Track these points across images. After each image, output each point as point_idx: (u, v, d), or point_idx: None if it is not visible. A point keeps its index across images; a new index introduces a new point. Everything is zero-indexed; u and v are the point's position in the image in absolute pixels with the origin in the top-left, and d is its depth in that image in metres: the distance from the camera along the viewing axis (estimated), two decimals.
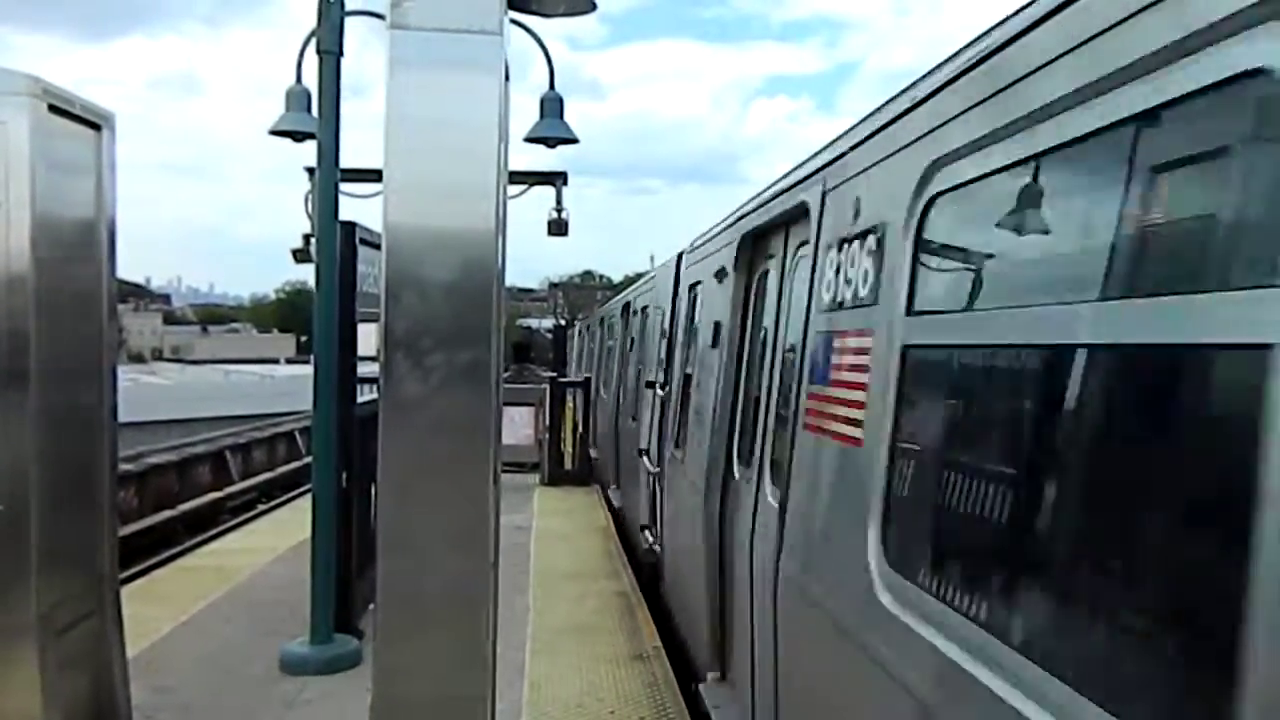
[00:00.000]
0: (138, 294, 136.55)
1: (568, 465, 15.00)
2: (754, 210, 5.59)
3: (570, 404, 15.06)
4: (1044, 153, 2.35)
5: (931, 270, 3.09)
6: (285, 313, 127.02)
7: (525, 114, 9.21)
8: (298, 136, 8.43)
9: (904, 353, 3.08)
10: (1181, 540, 1.84)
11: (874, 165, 3.56)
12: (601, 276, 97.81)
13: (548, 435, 15.05)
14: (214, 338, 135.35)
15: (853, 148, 3.86)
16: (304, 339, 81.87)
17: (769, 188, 5.35)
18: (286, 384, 42.79)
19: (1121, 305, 2.01)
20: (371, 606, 3.24)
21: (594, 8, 7.27)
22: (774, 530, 4.17)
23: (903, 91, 3.38)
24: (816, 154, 4.44)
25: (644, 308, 11.08)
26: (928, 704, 2.56)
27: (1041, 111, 2.30)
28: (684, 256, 8.49)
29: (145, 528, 15.63)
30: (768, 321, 5.12)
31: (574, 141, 9.46)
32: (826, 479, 3.74)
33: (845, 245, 3.74)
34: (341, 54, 6.48)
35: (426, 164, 2.71)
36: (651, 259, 10.30)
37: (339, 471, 6.63)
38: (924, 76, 3.19)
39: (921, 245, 3.05)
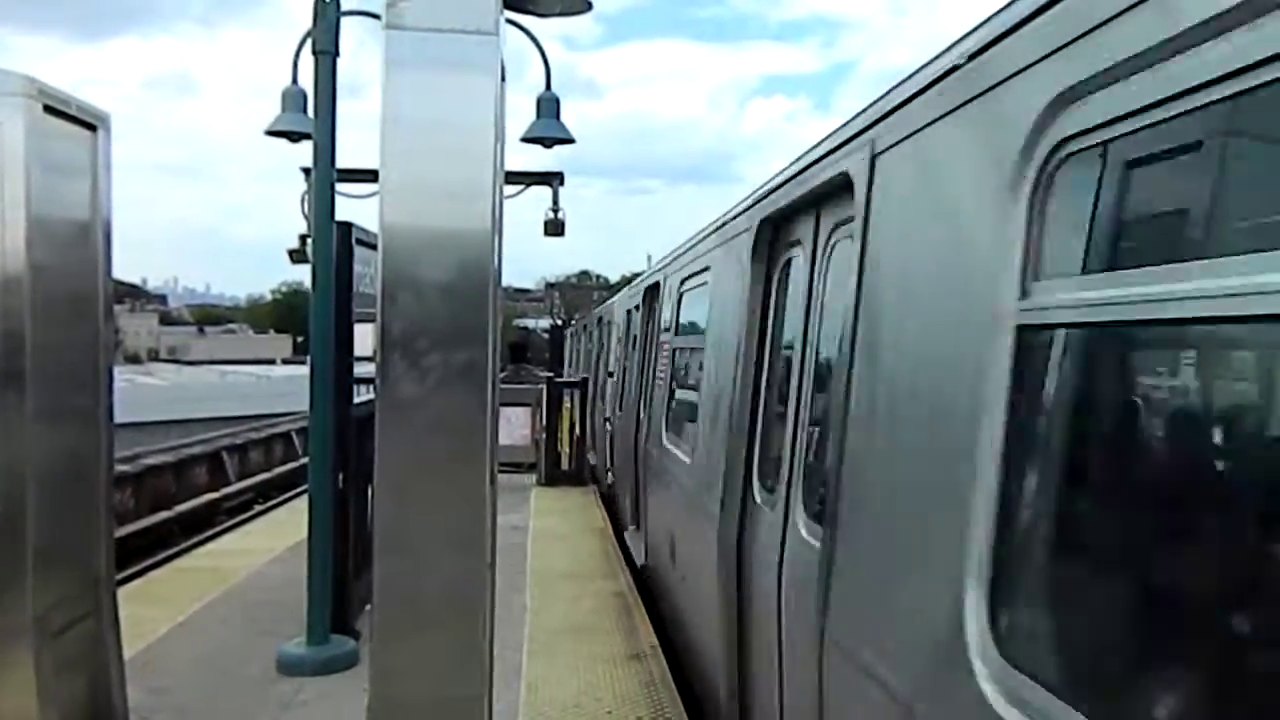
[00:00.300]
0: (134, 294, 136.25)
1: (564, 465, 15.00)
2: (651, 275, 10.54)
3: (567, 404, 15.07)
4: (692, 288, 7.33)
5: (678, 318, 7.98)
6: (282, 313, 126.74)
7: (521, 114, 9.24)
8: (294, 137, 8.44)
9: (673, 351, 7.98)
10: (719, 401, 5.38)
11: (674, 274, 8.32)
12: (598, 277, 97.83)
13: (544, 435, 15.05)
14: (210, 338, 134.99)
15: (668, 264, 8.95)
16: (300, 339, 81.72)
17: (653, 268, 10.65)
18: (283, 384, 42.68)
19: (691, 337, 7.22)
20: (368, 607, 3.24)
21: (590, 7, 7.27)
22: (645, 430, 8.93)
23: (679, 247, 8.44)
24: (664, 258, 9.57)
25: (609, 321, 15.73)
26: (672, 473, 6.93)
27: (692, 275, 7.27)
28: (625, 290, 14.56)
29: (142, 529, 15.62)
30: (655, 333, 9.55)
31: (570, 141, 9.48)
32: (655, 399, 8.53)
33: (669, 302, 8.51)
34: (337, 54, 6.47)
35: (422, 164, 2.71)
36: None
37: (336, 472, 6.62)
38: (679, 245, 8.50)
39: (679, 307, 7.94)
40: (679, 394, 7.65)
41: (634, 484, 9.78)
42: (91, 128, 4.35)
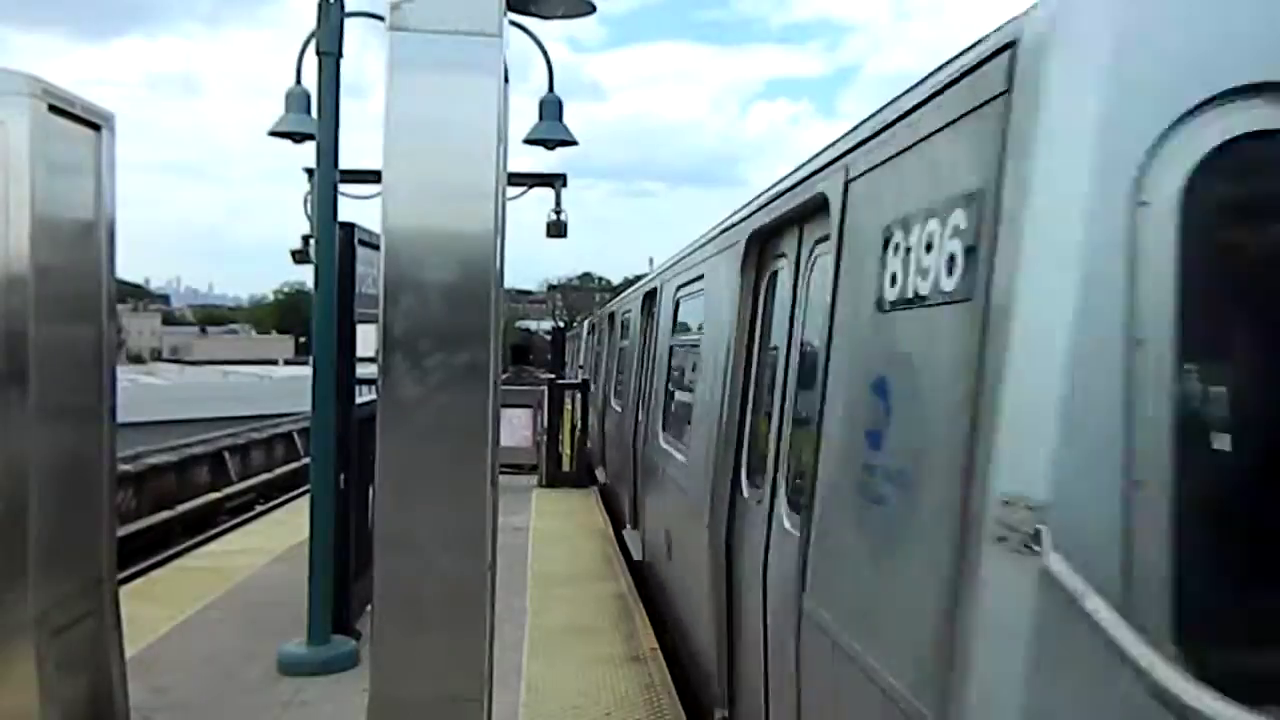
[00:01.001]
0: (137, 294, 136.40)
1: (566, 467, 15.01)
2: (604, 307, 20.54)
3: (569, 406, 15.08)
4: (602, 329, 17.93)
5: (615, 335, 15.12)
6: (284, 313, 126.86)
7: (525, 116, 9.24)
8: (297, 137, 8.43)
9: (600, 353, 17.80)
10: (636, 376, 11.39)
11: (612, 310, 16.24)
12: (600, 279, 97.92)
13: (546, 437, 15.06)
14: (213, 338, 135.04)
15: (607, 301, 24.16)
16: (303, 340, 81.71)
17: (606, 307, 19.89)
18: (285, 385, 42.63)
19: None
20: (369, 607, 3.24)
21: (593, 10, 7.29)
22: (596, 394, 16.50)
23: (620, 297, 17.33)
24: (615, 294, 28.90)
25: (580, 333, 24.49)
26: (606, 408, 14.83)
27: (622, 328, 14.29)
28: (591, 315, 27.65)
29: (143, 528, 15.61)
30: (604, 346, 16.24)
31: (573, 143, 9.47)
32: (606, 380, 15.42)
33: (618, 327, 14.54)
34: (341, 55, 6.48)
35: (425, 165, 2.71)
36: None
37: (337, 472, 6.62)
38: (620, 295, 19.33)
39: (613, 330, 15.50)
40: (617, 377, 13.79)
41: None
42: (96, 127, 4.36)
